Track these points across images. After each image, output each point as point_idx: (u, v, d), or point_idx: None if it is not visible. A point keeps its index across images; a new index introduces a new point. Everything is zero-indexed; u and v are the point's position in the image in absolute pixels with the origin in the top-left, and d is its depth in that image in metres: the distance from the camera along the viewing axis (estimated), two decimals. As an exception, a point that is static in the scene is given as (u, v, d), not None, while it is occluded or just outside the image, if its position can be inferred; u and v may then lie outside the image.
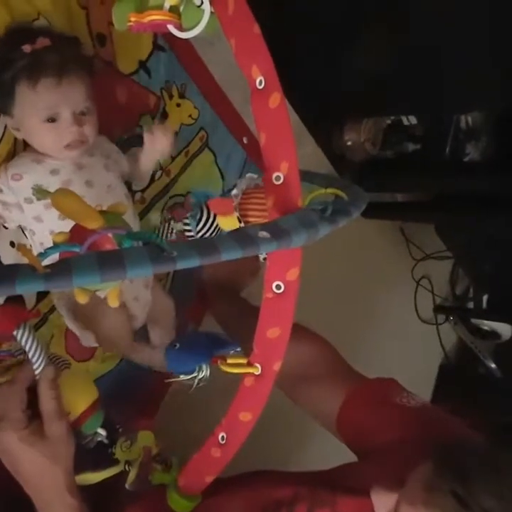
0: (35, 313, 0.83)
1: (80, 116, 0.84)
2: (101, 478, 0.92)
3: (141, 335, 1.09)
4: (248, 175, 0.80)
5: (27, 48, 0.79)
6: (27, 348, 0.76)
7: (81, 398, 0.83)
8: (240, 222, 0.77)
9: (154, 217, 0.89)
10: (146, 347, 1.09)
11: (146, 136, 0.95)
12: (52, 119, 0.82)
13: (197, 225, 0.83)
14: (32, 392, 0.79)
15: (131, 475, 0.96)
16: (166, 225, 0.90)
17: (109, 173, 0.93)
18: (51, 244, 0.62)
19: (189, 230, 0.86)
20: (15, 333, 0.74)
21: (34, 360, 0.77)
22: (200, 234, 0.84)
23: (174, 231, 0.88)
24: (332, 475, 0.95)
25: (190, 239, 0.85)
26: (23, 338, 0.75)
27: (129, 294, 0.99)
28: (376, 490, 0.75)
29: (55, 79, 0.80)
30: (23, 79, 0.80)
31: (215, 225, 0.83)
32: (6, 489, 0.81)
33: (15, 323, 0.74)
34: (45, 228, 0.85)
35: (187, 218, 0.87)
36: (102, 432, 0.89)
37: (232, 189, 0.82)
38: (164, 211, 0.97)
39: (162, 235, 0.91)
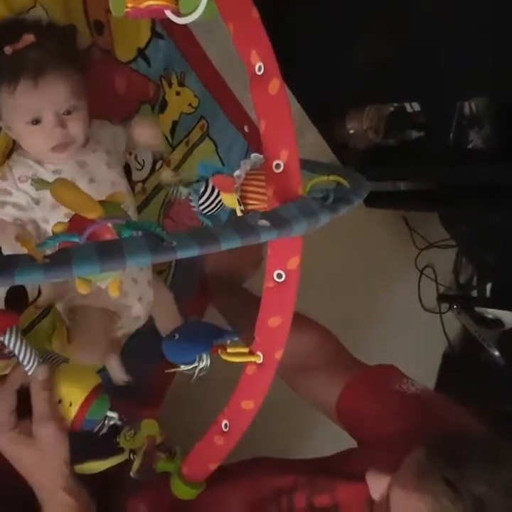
0: (20, 320, 0.82)
1: (63, 117, 0.83)
2: (105, 466, 0.92)
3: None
4: (253, 155, 0.78)
5: (8, 50, 0.77)
6: (16, 352, 0.76)
7: (80, 386, 0.83)
8: (239, 204, 0.76)
9: (166, 174, 0.88)
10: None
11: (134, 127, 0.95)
12: (35, 121, 0.81)
13: (199, 198, 0.82)
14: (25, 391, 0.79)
15: (136, 463, 0.97)
16: (175, 186, 0.89)
17: (111, 169, 0.92)
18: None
19: (192, 201, 0.85)
20: (1, 338, 0.75)
21: (24, 362, 0.78)
22: (201, 207, 0.83)
23: (182, 196, 0.87)
24: (332, 462, 0.96)
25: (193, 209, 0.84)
26: (11, 342, 0.75)
27: (134, 294, 0.98)
28: (371, 472, 0.76)
29: (33, 81, 0.78)
30: (4, 83, 0.78)
31: (218, 200, 0.82)
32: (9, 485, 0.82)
33: (1, 329, 0.74)
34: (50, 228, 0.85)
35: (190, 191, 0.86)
36: (112, 414, 0.89)
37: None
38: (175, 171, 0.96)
39: (172, 195, 0.90)
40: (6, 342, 0.75)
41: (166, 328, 1.06)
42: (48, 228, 0.85)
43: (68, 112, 0.83)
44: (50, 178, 0.85)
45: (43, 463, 0.78)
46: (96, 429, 0.87)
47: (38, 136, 0.83)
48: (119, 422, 0.90)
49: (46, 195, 0.81)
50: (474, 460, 0.68)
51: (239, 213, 0.79)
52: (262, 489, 0.95)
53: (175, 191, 0.85)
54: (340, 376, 0.99)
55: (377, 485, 0.74)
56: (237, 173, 0.78)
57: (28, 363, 0.78)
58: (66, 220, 0.81)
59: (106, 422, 0.88)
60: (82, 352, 0.93)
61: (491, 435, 0.77)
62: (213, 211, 0.82)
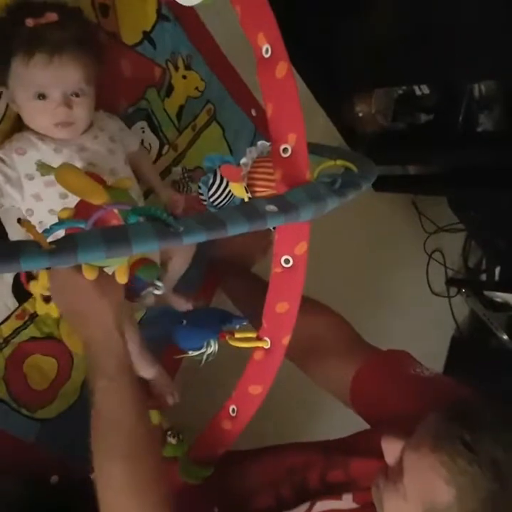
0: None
1: (70, 98, 0.83)
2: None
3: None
4: (260, 142, 0.77)
5: (30, 22, 0.78)
6: None
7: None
8: (247, 192, 0.76)
9: (175, 170, 0.87)
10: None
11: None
12: (41, 97, 0.81)
13: (209, 190, 0.82)
14: None
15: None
16: (184, 182, 0.88)
17: (113, 156, 0.91)
18: (50, 223, 0.61)
19: (202, 194, 0.85)
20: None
21: None
22: (212, 199, 0.82)
23: (192, 191, 0.86)
24: (345, 441, 0.96)
25: (204, 203, 0.84)
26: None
27: None
28: (386, 437, 0.75)
29: (49, 57, 0.78)
30: (19, 52, 0.79)
31: (227, 191, 0.81)
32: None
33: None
34: (44, 207, 0.84)
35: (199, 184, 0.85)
36: (160, 284, 0.92)
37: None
38: (184, 168, 0.96)
39: (181, 191, 0.89)
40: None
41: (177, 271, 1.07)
42: (41, 206, 0.85)
43: (76, 95, 0.84)
44: (50, 155, 0.84)
45: (99, 300, 0.79)
46: (142, 293, 0.91)
47: (41, 112, 0.83)
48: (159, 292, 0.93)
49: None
50: (491, 423, 0.67)
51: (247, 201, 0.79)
52: (275, 468, 0.95)
53: (184, 188, 0.85)
54: (354, 358, 0.98)
55: (391, 449, 0.74)
56: (243, 160, 0.77)
57: None
58: (62, 197, 0.82)
59: (152, 288, 0.92)
60: None
61: (503, 404, 0.76)
62: (224, 202, 0.81)
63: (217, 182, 0.80)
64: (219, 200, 0.80)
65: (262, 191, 0.76)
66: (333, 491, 0.86)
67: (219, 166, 0.79)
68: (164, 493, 0.80)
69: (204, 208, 0.84)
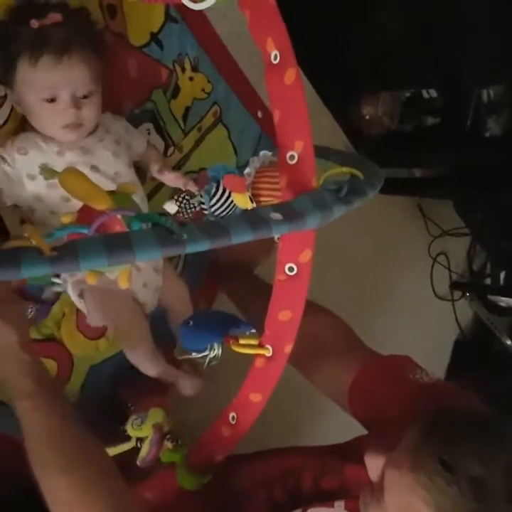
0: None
1: (79, 99, 0.82)
2: (112, 454, 0.92)
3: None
4: (262, 152, 0.77)
5: (34, 24, 0.77)
6: None
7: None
8: (251, 202, 0.75)
9: (170, 206, 0.86)
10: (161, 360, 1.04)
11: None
12: (50, 100, 0.81)
13: (210, 199, 0.81)
14: None
15: (142, 452, 0.97)
16: (184, 205, 0.88)
17: (117, 160, 0.91)
18: (52, 223, 0.61)
19: (204, 203, 0.84)
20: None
21: None
22: (213, 209, 0.82)
23: (196, 206, 0.86)
24: (340, 447, 0.96)
25: (206, 212, 0.84)
26: None
27: (138, 281, 0.97)
28: (368, 454, 0.75)
29: (56, 58, 0.78)
30: (25, 54, 0.78)
31: (230, 201, 0.81)
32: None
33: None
34: (45, 207, 0.84)
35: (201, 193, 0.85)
36: (57, 280, 0.90)
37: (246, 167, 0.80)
38: (178, 195, 0.96)
39: (184, 215, 0.89)
40: None
41: (177, 318, 1.06)
42: (41, 206, 0.84)
43: (84, 96, 0.83)
44: (53, 157, 0.84)
45: (3, 330, 0.78)
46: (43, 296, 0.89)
47: (49, 114, 0.82)
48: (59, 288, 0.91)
49: None
50: (471, 439, 0.66)
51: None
52: (269, 471, 0.95)
53: (188, 209, 0.85)
54: (353, 362, 0.98)
55: (374, 465, 0.73)
56: (247, 171, 0.77)
57: None
58: (64, 200, 0.81)
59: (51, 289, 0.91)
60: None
61: (492, 416, 0.75)
62: (225, 212, 0.81)
63: (220, 192, 0.80)
64: (220, 210, 0.80)
65: (266, 200, 0.76)
66: (325, 497, 0.85)
67: (222, 176, 0.78)
68: (114, 497, 0.78)
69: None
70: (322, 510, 0.84)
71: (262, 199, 0.74)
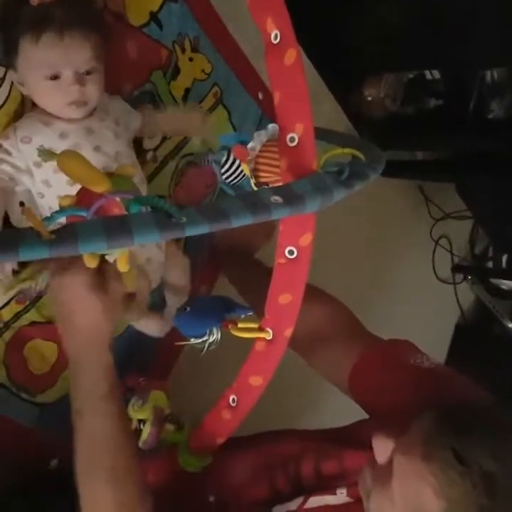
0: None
1: (82, 76, 0.82)
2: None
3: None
4: (271, 125, 0.76)
5: (34, 1, 0.76)
6: None
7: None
8: (252, 177, 0.75)
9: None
10: (157, 315, 1.08)
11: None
12: (54, 77, 0.80)
13: (221, 167, 0.82)
14: None
15: (143, 434, 0.97)
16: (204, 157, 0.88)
17: (118, 140, 0.90)
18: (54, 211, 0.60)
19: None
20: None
21: None
22: (224, 176, 0.82)
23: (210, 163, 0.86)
24: (341, 432, 0.96)
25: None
26: None
27: (141, 255, 0.97)
28: (377, 436, 0.74)
29: (58, 34, 0.77)
30: (27, 33, 0.77)
31: (240, 170, 0.81)
32: None
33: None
34: (53, 192, 0.84)
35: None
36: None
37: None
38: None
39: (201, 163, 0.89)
40: None
41: (174, 303, 1.06)
42: (50, 191, 0.84)
43: (87, 73, 0.82)
44: (56, 141, 0.83)
45: (101, 319, 0.76)
46: None
47: (54, 92, 0.81)
48: None
49: None
50: (485, 433, 0.65)
51: (252, 185, 0.78)
52: (269, 456, 0.95)
53: (203, 160, 0.85)
54: (354, 347, 0.98)
55: (382, 448, 0.72)
56: (250, 145, 0.76)
57: None
58: (69, 184, 0.80)
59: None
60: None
61: (502, 411, 0.75)
62: (236, 181, 0.81)
63: (230, 161, 0.80)
64: (231, 178, 0.80)
65: (266, 176, 0.75)
66: (327, 484, 0.86)
67: (233, 145, 0.78)
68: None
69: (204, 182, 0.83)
70: (324, 498, 0.84)
71: (261, 174, 0.74)
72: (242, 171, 0.80)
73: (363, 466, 0.78)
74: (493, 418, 0.70)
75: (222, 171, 0.81)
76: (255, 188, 0.78)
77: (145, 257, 0.99)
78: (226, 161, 0.80)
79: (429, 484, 0.63)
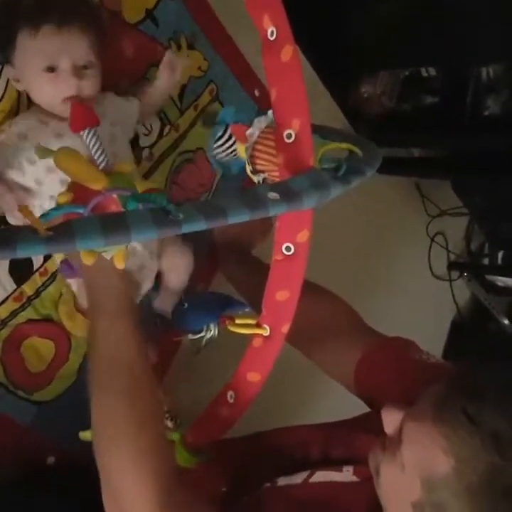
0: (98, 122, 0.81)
1: (79, 69, 0.81)
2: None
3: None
4: (270, 111, 0.76)
5: None
6: (91, 148, 0.77)
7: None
8: (248, 164, 0.75)
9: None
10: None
11: (164, 65, 0.95)
12: (51, 69, 0.79)
13: (215, 142, 0.82)
14: None
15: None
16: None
17: (114, 142, 0.89)
18: (51, 208, 0.60)
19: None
20: (82, 133, 0.77)
21: (97, 158, 0.76)
22: (215, 152, 0.83)
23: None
24: (349, 421, 0.96)
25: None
26: (89, 139, 0.77)
27: (134, 263, 0.94)
28: (386, 407, 0.73)
29: (56, 27, 0.77)
30: (25, 25, 0.77)
31: (233, 148, 0.81)
32: None
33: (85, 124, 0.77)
34: (45, 191, 0.83)
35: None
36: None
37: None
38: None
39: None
40: (85, 137, 0.77)
41: (169, 283, 1.04)
42: (41, 191, 0.84)
43: (85, 67, 0.82)
44: (51, 141, 0.82)
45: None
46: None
47: (50, 85, 0.80)
48: None
49: None
50: (495, 395, 0.65)
51: (248, 172, 0.78)
52: (276, 446, 0.95)
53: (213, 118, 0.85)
54: (358, 343, 0.98)
55: (391, 419, 0.72)
56: (249, 131, 0.76)
57: (100, 158, 0.77)
58: (62, 184, 0.79)
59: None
60: None
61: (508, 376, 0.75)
62: (226, 158, 0.81)
63: (226, 137, 0.80)
64: (222, 154, 0.81)
65: (262, 164, 0.75)
66: (334, 463, 0.85)
67: (232, 123, 0.78)
68: (161, 430, 0.81)
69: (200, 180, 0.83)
70: (330, 473, 0.84)
71: (258, 162, 0.74)
72: (234, 150, 0.79)
73: (371, 448, 0.78)
74: (504, 381, 0.69)
75: (215, 145, 0.81)
76: (251, 175, 0.78)
77: (138, 263, 0.95)
78: (221, 136, 0.81)
79: (439, 445, 0.63)
